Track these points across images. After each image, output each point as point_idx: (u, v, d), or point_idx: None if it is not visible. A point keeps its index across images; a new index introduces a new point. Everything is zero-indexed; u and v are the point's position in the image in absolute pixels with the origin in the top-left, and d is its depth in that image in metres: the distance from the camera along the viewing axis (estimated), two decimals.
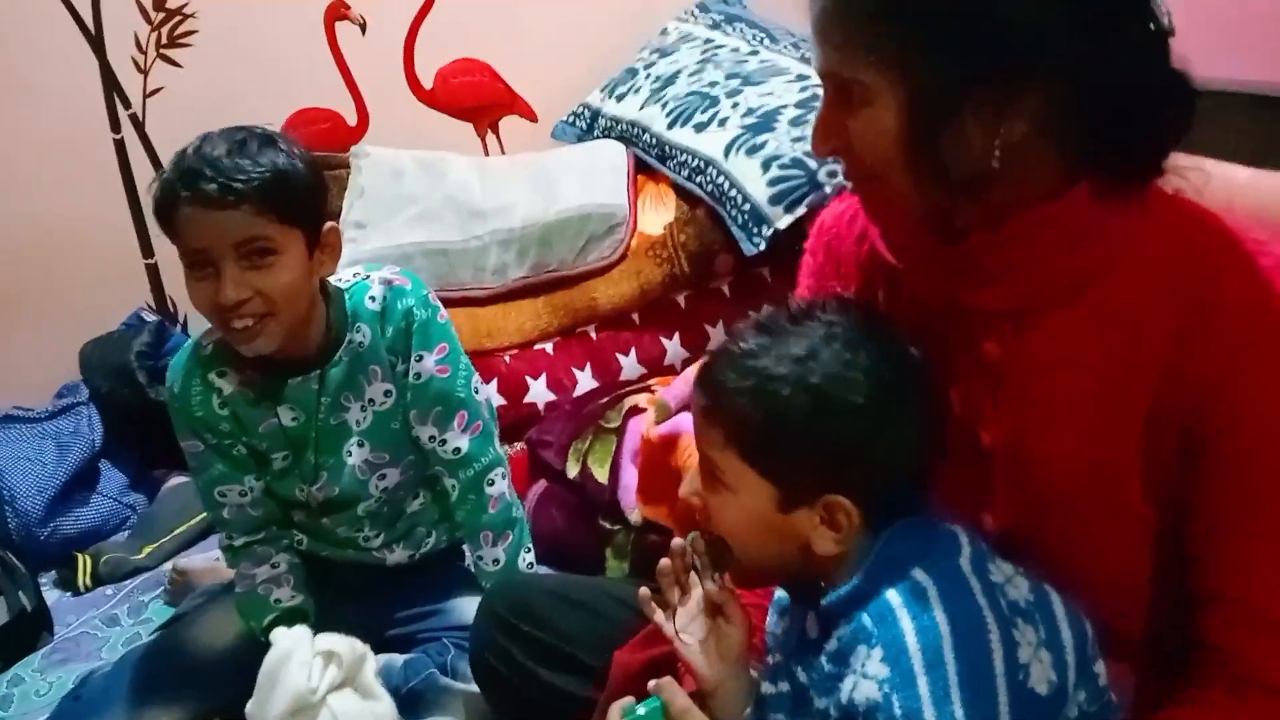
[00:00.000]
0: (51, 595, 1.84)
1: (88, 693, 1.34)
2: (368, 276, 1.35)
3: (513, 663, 1.13)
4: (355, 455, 1.37)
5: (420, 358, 1.34)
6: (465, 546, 1.51)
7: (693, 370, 1.67)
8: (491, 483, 1.41)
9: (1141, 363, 0.79)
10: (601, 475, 1.64)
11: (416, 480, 1.46)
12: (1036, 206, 0.80)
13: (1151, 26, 0.77)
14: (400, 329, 1.33)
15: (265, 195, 1.17)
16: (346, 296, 1.33)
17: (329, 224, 1.27)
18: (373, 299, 1.33)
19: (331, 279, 1.34)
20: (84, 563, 1.88)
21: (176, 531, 1.96)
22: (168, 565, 1.85)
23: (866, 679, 0.76)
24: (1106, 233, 0.80)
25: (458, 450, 1.38)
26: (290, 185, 1.20)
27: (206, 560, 1.75)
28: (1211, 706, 0.78)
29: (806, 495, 0.82)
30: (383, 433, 1.37)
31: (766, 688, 0.89)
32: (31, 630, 1.69)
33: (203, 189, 1.15)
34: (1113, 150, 0.78)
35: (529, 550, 1.46)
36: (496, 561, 1.41)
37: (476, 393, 1.41)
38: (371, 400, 1.35)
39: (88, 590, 1.86)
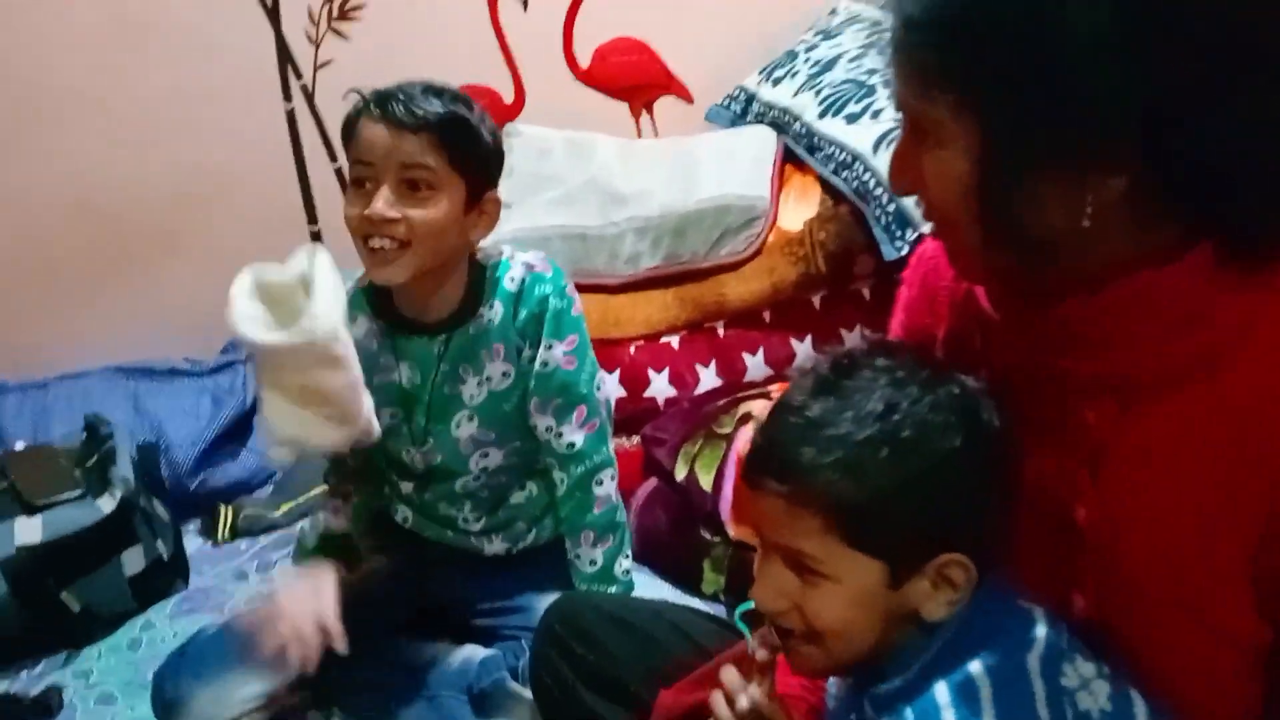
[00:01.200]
0: (193, 544, 1.95)
1: (192, 649, 1.40)
2: (511, 256, 1.37)
3: (561, 681, 1.11)
4: (464, 428, 1.38)
5: (550, 346, 1.34)
6: (566, 541, 1.49)
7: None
8: (600, 483, 1.41)
9: (1261, 462, 0.69)
10: (706, 482, 1.59)
11: (521, 468, 1.45)
12: (1144, 272, 0.70)
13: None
14: (534, 314, 1.34)
15: (443, 131, 1.23)
16: (488, 272, 1.35)
17: (492, 193, 1.31)
18: (512, 279, 1.34)
19: (478, 253, 1.37)
20: (225, 514, 1.99)
21: (314, 492, 2.04)
22: (300, 524, 1.93)
23: None
24: (1228, 310, 0.70)
25: (572, 445, 1.38)
26: (469, 134, 1.27)
27: None
28: None
29: (919, 563, 0.75)
30: (494, 412, 1.38)
31: None
32: (166, 578, 1.80)
33: (389, 108, 1.22)
34: (1236, 216, 0.68)
35: (627, 557, 1.44)
36: (594, 563, 1.41)
37: (598, 390, 1.41)
38: (489, 378, 1.36)
39: (226, 542, 1.96)
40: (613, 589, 1.40)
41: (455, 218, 1.26)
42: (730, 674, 0.84)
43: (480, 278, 1.34)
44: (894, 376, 0.76)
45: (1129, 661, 0.76)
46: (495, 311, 1.33)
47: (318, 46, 2.35)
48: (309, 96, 2.37)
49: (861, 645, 0.76)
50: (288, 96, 2.37)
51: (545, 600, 1.40)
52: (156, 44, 2.25)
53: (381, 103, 1.24)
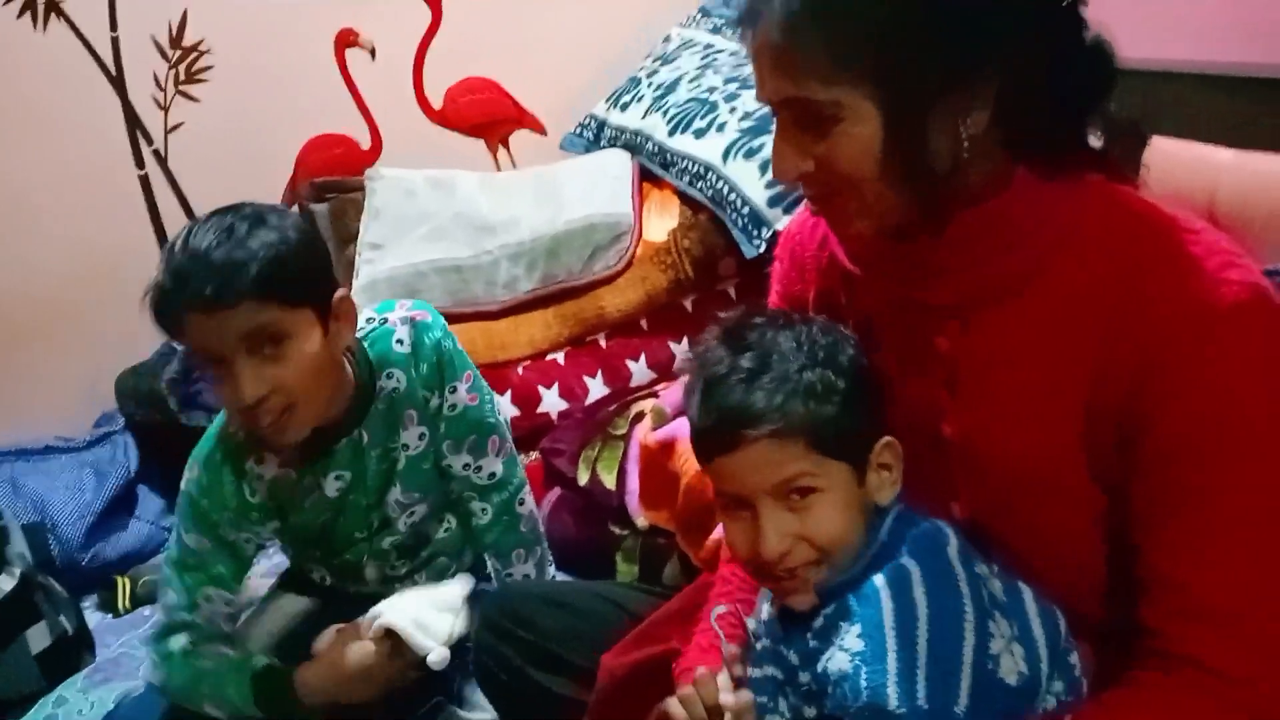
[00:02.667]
0: (93, 618, 1.91)
1: (123, 712, 1.39)
2: (385, 320, 1.32)
3: (507, 665, 1.16)
4: (390, 494, 1.36)
5: (454, 389, 1.33)
6: (491, 565, 1.49)
7: (681, 361, 1.70)
8: (522, 502, 1.44)
9: (1078, 354, 0.81)
10: (609, 481, 1.67)
11: (440, 508, 1.45)
12: (980, 204, 0.82)
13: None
14: (433, 364, 1.31)
15: (263, 285, 1.11)
16: (367, 345, 1.29)
17: (339, 293, 1.21)
18: (400, 341, 1.29)
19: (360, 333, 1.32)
20: (123, 585, 1.96)
21: None
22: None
23: (841, 651, 0.80)
24: (1045, 227, 0.82)
25: (493, 474, 1.39)
26: (288, 266, 1.13)
27: None
28: (1146, 686, 0.79)
29: (866, 455, 0.86)
30: (415, 475, 1.35)
31: (753, 671, 0.92)
32: (74, 652, 1.76)
33: (199, 294, 1.08)
34: (1037, 127, 0.80)
35: (551, 563, 1.49)
36: (527, 576, 1.44)
37: (500, 414, 1.42)
38: (406, 445, 1.33)
39: (127, 612, 1.93)
40: None
41: (321, 347, 1.17)
42: (703, 675, 0.92)
43: (364, 355, 1.28)
44: (776, 324, 0.89)
45: (1002, 553, 0.87)
46: (397, 379, 1.29)
47: (166, 110, 2.35)
48: (162, 161, 2.36)
49: (853, 547, 0.85)
50: (140, 164, 2.35)
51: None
52: (8, 131, 2.22)
53: (184, 288, 1.09)
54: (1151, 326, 0.78)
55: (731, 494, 0.87)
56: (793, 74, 0.80)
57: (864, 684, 0.77)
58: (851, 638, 0.80)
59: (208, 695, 1.26)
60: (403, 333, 1.30)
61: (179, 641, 1.28)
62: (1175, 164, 1.19)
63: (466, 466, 1.38)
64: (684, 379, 1.61)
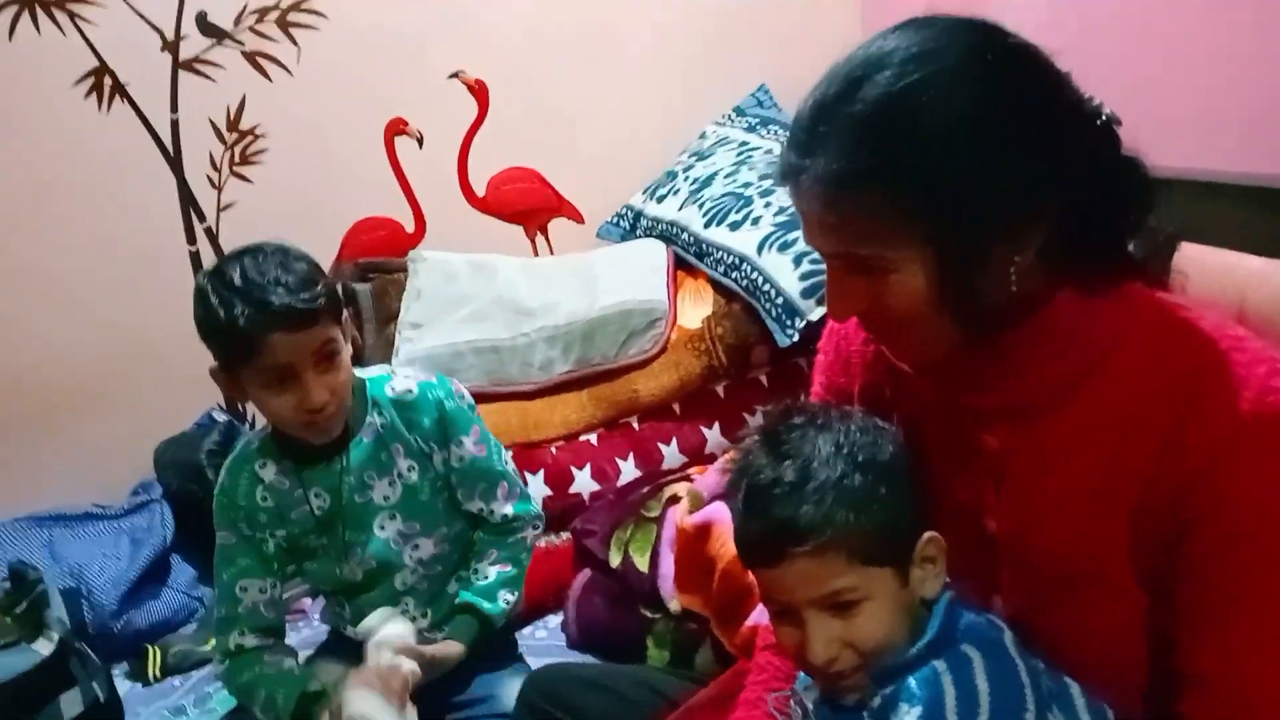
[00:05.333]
0: (123, 686, 1.92)
1: None
2: (393, 372, 1.47)
3: None
4: (388, 528, 1.45)
5: (460, 443, 1.44)
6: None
7: (724, 460, 1.73)
8: (525, 532, 1.52)
9: (1129, 460, 0.83)
10: (642, 564, 1.69)
11: (454, 557, 1.52)
12: (1029, 319, 0.85)
13: (1098, 123, 0.82)
14: (435, 419, 1.43)
15: (330, 306, 1.30)
16: (367, 384, 1.44)
17: (343, 315, 1.38)
18: (393, 389, 1.43)
19: (355, 372, 1.44)
20: (154, 654, 1.98)
21: None
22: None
23: None
24: (1091, 336, 0.85)
25: (505, 516, 1.49)
26: (334, 288, 1.33)
27: None
28: None
29: (909, 554, 0.87)
30: (412, 504, 1.45)
31: None
32: (106, 718, 1.76)
33: (288, 316, 1.24)
34: (1082, 247, 0.83)
35: (513, 595, 1.49)
36: (485, 578, 1.48)
37: (508, 464, 1.52)
38: (399, 474, 1.44)
39: (157, 681, 1.95)
40: (491, 609, 1.46)
41: (349, 360, 1.35)
42: None
43: (361, 392, 1.42)
44: (815, 424, 0.90)
45: (1046, 650, 0.88)
46: (384, 418, 1.42)
47: (220, 190, 2.44)
48: (213, 238, 2.44)
49: (899, 647, 0.86)
50: (192, 240, 2.44)
51: (503, 681, 1.48)
52: (64, 208, 2.32)
53: (272, 313, 1.24)
54: (1200, 433, 0.80)
55: (778, 601, 0.89)
56: (839, 234, 0.82)
57: None
58: (911, 719, 0.81)
59: (260, 698, 1.38)
60: (402, 384, 1.44)
61: (236, 639, 1.42)
62: (1204, 270, 1.22)
63: (481, 510, 1.49)
64: (722, 466, 1.64)
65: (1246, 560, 0.80)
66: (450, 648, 1.42)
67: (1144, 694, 0.87)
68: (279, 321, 1.24)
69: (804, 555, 0.84)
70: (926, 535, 0.88)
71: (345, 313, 1.37)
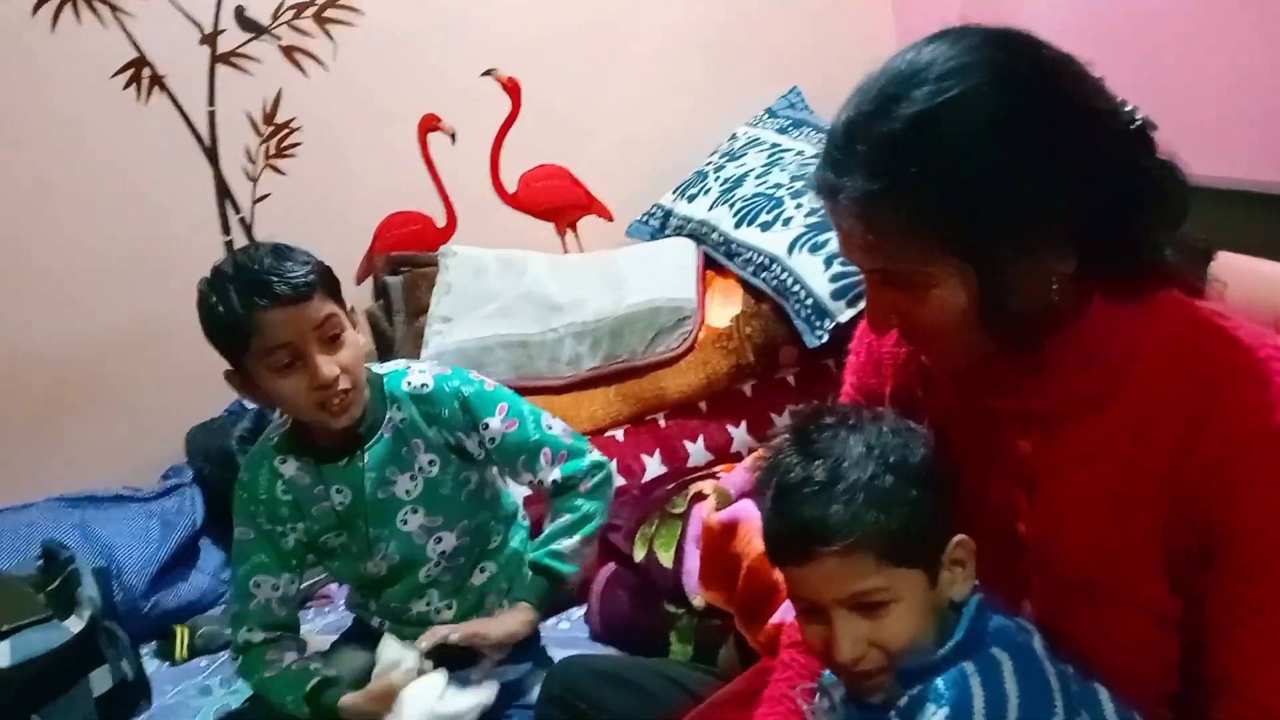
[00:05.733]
0: (151, 665, 1.95)
1: None
2: (408, 366, 1.48)
3: None
4: (411, 522, 1.47)
5: (487, 425, 1.45)
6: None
7: (752, 458, 1.74)
8: (587, 481, 1.49)
9: (1156, 466, 0.83)
10: (666, 560, 1.70)
11: (475, 549, 1.54)
12: (1062, 327, 0.85)
13: (1132, 128, 0.82)
14: (456, 409, 1.44)
15: (324, 282, 1.33)
16: (384, 379, 1.45)
17: (349, 305, 1.41)
18: (409, 384, 1.45)
19: (372, 368, 1.47)
20: (181, 634, 2.00)
21: None
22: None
23: None
24: (1121, 345, 0.85)
25: (555, 481, 1.48)
26: (332, 273, 1.37)
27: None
28: None
29: (938, 556, 0.88)
30: (434, 497, 1.46)
31: None
32: (132, 698, 1.79)
33: (279, 291, 1.28)
34: (1117, 255, 0.83)
35: (569, 538, 1.45)
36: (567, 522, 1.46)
37: (550, 429, 1.50)
38: (421, 469, 1.45)
39: (184, 661, 1.97)
40: (537, 556, 1.45)
41: (358, 339, 1.38)
42: None
43: (380, 388, 1.44)
44: (847, 424, 0.91)
45: (1074, 655, 0.88)
46: (403, 413, 1.44)
47: (255, 182, 2.47)
48: (247, 228, 2.47)
49: (926, 648, 0.87)
50: (226, 230, 2.47)
51: (533, 679, 1.49)
52: (106, 198, 2.35)
53: (264, 290, 1.28)
54: (1222, 440, 0.80)
55: (805, 599, 0.89)
56: (877, 252, 0.83)
57: None
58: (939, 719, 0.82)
59: (273, 698, 1.43)
60: (417, 378, 1.45)
61: (245, 635, 1.45)
62: (1242, 279, 1.22)
63: (532, 482, 1.49)
64: (750, 464, 1.65)
65: (1270, 571, 0.80)
66: (512, 616, 1.41)
67: (1170, 701, 0.88)
68: (272, 296, 1.27)
69: (832, 555, 0.85)
70: (956, 538, 0.89)
71: (351, 305, 1.39)
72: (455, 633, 1.36)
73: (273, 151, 2.46)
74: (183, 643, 1.99)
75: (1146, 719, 0.87)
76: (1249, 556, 0.80)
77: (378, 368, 1.49)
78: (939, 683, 0.83)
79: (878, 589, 0.85)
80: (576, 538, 1.45)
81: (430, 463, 1.46)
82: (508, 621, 1.41)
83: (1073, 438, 0.87)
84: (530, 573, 1.46)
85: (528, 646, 1.57)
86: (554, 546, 1.44)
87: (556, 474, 1.47)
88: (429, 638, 1.35)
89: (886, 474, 0.86)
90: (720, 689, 1.19)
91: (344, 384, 1.33)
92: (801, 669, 1.07)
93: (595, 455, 1.51)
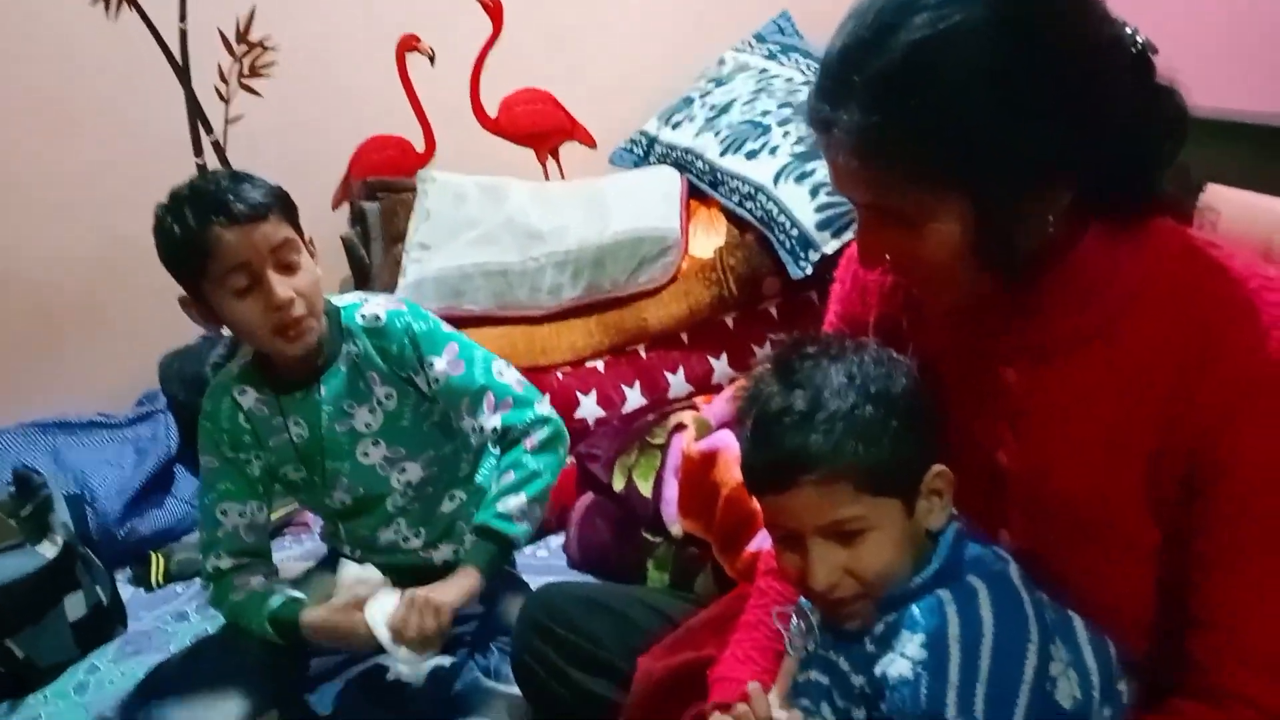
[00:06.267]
0: (126, 591, 1.94)
1: (155, 681, 1.42)
2: (364, 299, 1.47)
3: (548, 664, 1.18)
4: (372, 454, 1.46)
5: (432, 364, 1.43)
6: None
7: (733, 389, 1.72)
8: (529, 435, 1.43)
9: (1148, 403, 0.82)
10: (645, 489, 1.69)
11: (443, 478, 1.53)
12: (1057, 259, 0.83)
13: (1134, 51, 0.79)
14: (403, 344, 1.43)
15: (281, 205, 1.32)
16: (341, 312, 1.44)
17: (306, 235, 1.39)
18: (364, 316, 1.43)
19: (330, 299, 1.44)
20: (157, 561, 1.99)
21: None
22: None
23: (903, 658, 0.82)
24: (1118, 281, 0.83)
25: (495, 429, 1.43)
26: (290, 199, 1.35)
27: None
28: (1189, 716, 0.81)
29: (917, 487, 0.87)
30: (394, 430, 1.46)
31: (802, 676, 0.93)
32: (107, 623, 1.79)
33: (235, 210, 1.27)
34: (1115, 183, 0.81)
35: (514, 499, 1.39)
36: (490, 494, 1.42)
37: (500, 375, 1.46)
38: (380, 401, 1.44)
39: (160, 587, 1.97)
40: (483, 517, 1.39)
41: (314, 265, 1.36)
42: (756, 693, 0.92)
43: (337, 320, 1.43)
44: (828, 354, 0.89)
45: (1050, 584, 0.88)
46: (358, 346, 1.43)
47: (228, 103, 2.40)
48: (220, 151, 2.41)
49: (901, 573, 0.86)
50: (199, 152, 2.40)
51: (505, 605, 1.49)
52: (72, 116, 2.27)
53: (221, 209, 1.27)
54: (1222, 381, 0.79)
55: (782, 527, 0.89)
56: (873, 186, 0.80)
57: (924, 691, 0.79)
58: (914, 646, 0.81)
59: (242, 621, 1.43)
60: (371, 310, 1.44)
61: (214, 562, 1.45)
62: (1233, 211, 1.21)
63: (474, 428, 1.46)
64: (731, 394, 1.64)
65: (1263, 510, 0.79)
66: (459, 582, 1.36)
67: (1144, 633, 0.87)
68: (227, 214, 1.26)
69: (811, 484, 0.84)
70: (935, 468, 0.88)
71: (309, 235, 1.37)
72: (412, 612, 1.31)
73: (246, 71, 2.39)
74: (159, 569, 1.98)
75: (1121, 648, 0.87)
76: (1239, 497, 0.80)
77: (336, 299, 1.46)
78: (915, 610, 0.83)
79: (855, 518, 0.85)
80: (523, 496, 1.39)
81: (388, 396, 1.45)
82: (449, 591, 1.34)
83: (1062, 373, 0.86)
84: (475, 536, 1.40)
85: (503, 572, 1.57)
86: (500, 508, 1.38)
87: (497, 421, 1.43)
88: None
89: (867, 404, 0.85)
90: (697, 614, 1.18)
91: (299, 309, 1.31)
92: (778, 596, 1.07)
93: (543, 409, 1.46)
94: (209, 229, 1.26)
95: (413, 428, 1.47)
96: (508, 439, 1.44)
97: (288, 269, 1.31)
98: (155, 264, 2.35)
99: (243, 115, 2.41)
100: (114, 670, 1.71)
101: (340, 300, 1.46)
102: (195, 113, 2.38)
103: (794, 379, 0.87)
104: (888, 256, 0.85)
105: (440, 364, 1.43)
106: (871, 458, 0.84)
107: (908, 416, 0.87)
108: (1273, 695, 0.79)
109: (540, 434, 1.43)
